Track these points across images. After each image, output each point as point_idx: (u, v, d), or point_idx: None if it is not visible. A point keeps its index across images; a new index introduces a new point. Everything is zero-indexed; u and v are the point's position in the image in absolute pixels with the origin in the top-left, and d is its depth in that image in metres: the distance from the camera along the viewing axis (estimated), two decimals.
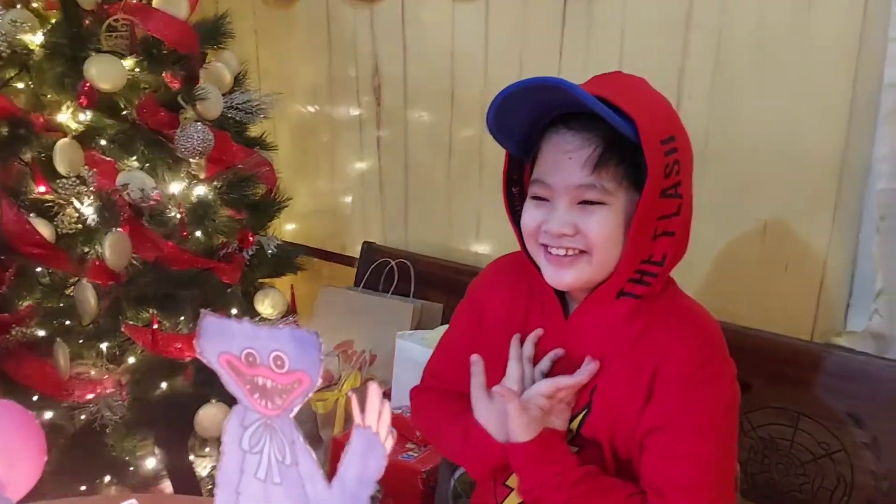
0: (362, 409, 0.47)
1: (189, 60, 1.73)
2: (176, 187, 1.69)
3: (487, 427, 0.96)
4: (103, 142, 1.62)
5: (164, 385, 1.72)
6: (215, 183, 1.76)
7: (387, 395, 1.82)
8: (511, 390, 0.93)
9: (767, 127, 1.44)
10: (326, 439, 1.71)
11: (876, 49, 1.27)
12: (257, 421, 0.48)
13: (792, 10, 1.36)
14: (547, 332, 1.00)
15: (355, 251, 2.22)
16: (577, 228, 0.89)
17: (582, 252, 0.90)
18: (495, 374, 0.99)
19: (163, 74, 1.70)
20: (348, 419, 1.71)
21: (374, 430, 0.46)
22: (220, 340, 0.47)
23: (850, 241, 1.39)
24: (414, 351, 1.69)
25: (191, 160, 1.67)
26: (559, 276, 0.92)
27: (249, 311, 1.87)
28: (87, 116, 1.60)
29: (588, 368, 0.92)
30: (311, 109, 2.26)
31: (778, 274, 1.49)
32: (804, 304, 1.47)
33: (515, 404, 0.91)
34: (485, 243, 1.98)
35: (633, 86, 0.94)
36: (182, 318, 1.67)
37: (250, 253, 1.84)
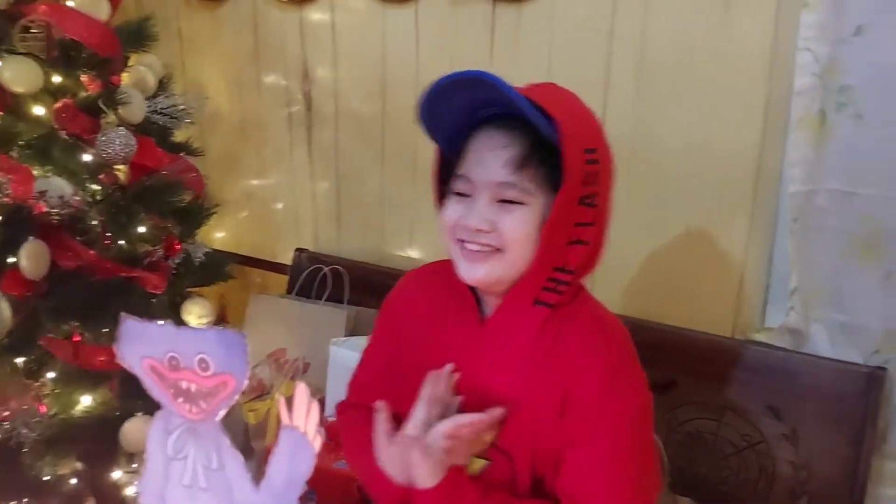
0: (290, 410, 0.46)
1: (110, 64, 1.68)
2: (97, 194, 1.64)
3: (390, 472, 0.93)
4: (16, 148, 1.55)
5: (86, 400, 1.66)
6: (138, 189, 1.71)
7: (321, 402, 1.80)
8: (413, 437, 0.91)
9: (687, 134, 1.49)
10: (259, 450, 1.68)
11: (787, 58, 1.33)
12: (181, 426, 0.47)
13: (709, 21, 1.42)
14: (463, 337, 1.00)
15: (287, 258, 2.19)
16: (494, 225, 0.90)
17: (496, 249, 0.91)
18: (415, 385, 0.97)
19: (81, 78, 1.65)
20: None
21: (302, 429, 0.45)
22: (141, 344, 0.46)
23: (766, 242, 1.45)
24: (348, 358, 1.67)
25: (113, 166, 1.61)
26: (472, 270, 0.93)
27: (176, 322, 1.82)
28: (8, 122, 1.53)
29: (494, 414, 0.92)
30: (240, 114, 2.22)
31: (700, 274, 1.54)
32: (725, 303, 1.53)
33: (418, 451, 0.89)
34: (418, 248, 1.98)
35: (562, 95, 0.96)
36: (106, 329, 1.61)
37: (177, 261, 1.79)
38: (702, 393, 1.50)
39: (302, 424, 0.45)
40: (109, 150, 1.54)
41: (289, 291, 2.12)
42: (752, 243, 1.47)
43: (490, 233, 0.91)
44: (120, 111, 1.62)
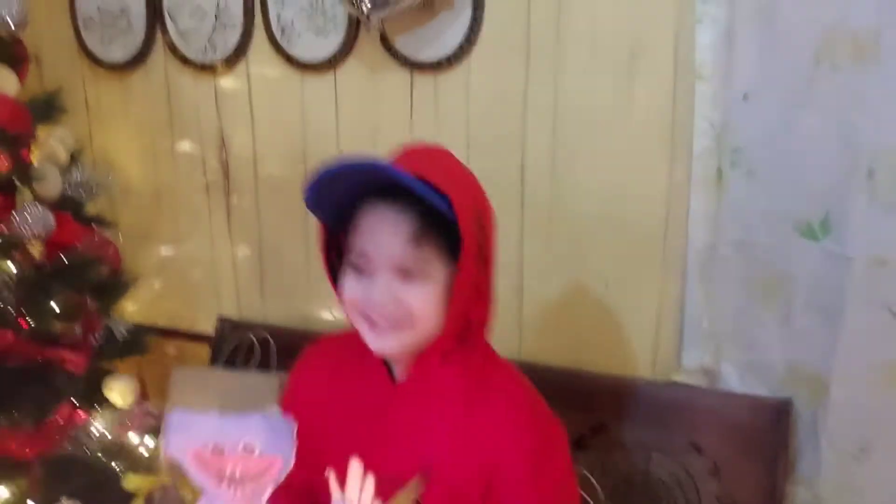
0: (342, 486, 0.48)
1: (20, 139, 1.64)
2: (10, 274, 1.58)
3: None
4: None
5: (2, 491, 1.57)
6: (55, 266, 1.66)
7: None
8: None
9: (600, 192, 1.59)
10: None
11: (685, 124, 1.46)
12: None
13: (614, 92, 1.53)
14: (376, 403, 1.01)
15: (207, 327, 2.15)
16: (400, 301, 0.93)
17: (405, 322, 0.94)
18: (333, 457, 0.87)
19: None
20: None
21: (356, 502, 0.47)
22: (187, 436, 0.47)
23: (678, 289, 1.56)
24: (279, 424, 1.67)
25: (29, 244, 1.57)
26: (382, 342, 0.95)
27: (97, 401, 1.76)
28: None
29: (412, 485, 0.91)
30: (154, 183, 2.19)
31: (620, 322, 1.64)
32: (644, 348, 1.63)
33: None
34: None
35: (444, 162, 1.00)
36: (24, 414, 1.54)
37: (98, 338, 1.74)
38: (629, 435, 1.58)
39: (356, 498, 0.47)
40: (27, 228, 1.50)
41: (212, 361, 2.08)
42: (665, 292, 1.58)
43: (395, 308, 0.93)
44: (35, 187, 1.58)
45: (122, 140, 2.19)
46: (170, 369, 2.03)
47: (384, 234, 0.93)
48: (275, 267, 2.10)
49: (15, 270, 1.59)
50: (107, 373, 1.82)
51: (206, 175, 2.11)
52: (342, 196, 0.96)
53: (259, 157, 2.03)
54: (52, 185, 1.62)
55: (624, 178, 1.56)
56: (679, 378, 1.59)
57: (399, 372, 1.02)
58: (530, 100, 1.62)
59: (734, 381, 1.55)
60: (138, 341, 1.89)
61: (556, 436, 1.02)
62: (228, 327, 2.09)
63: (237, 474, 0.47)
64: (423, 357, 0.98)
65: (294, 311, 2.07)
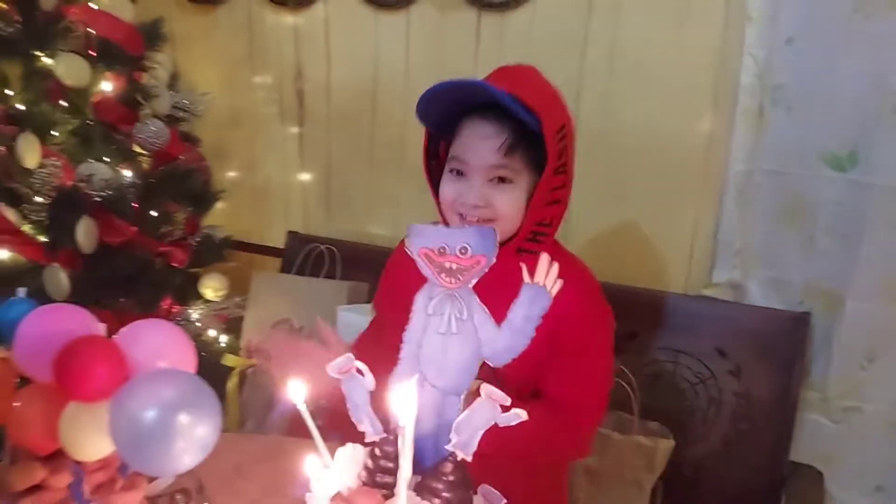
0: (531, 277, 0.68)
1: (135, 60, 1.85)
2: (129, 179, 1.81)
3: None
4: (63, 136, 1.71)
5: None
6: (162, 175, 1.89)
7: None
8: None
9: (649, 123, 1.78)
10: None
11: (733, 62, 1.65)
12: (441, 292, 0.69)
13: (668, 31, 1.71)
14: None
15: (275, 241, 2.38)
16: (490, 202, 1.09)
17: (489, 219, 1.12)
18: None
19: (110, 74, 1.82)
20: None
21: (542, 283, 0.67)
22: (420, 239, 0.68)
23: (713, 214, 1.76)
24: (356, 321, 1.89)
25: (148, 153, 1.79)
26: None
27: (192, 294, 2.01)
28: (50, 112, 1.68)
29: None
30: (233, 109, 2.39)
31: (659, 243, 1.84)
32: (679, 265, 1.84)
33: None
34: (403, 230, 2.19)
35: (534, 81, 1.15)
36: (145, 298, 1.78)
37: (197, 240, 1.98)
38: (661, 340, 1.80)
39: (542, 280, 0.66)
40: (149, 139, 1.72)
41: (282, 271, 2.31)
42: (701, 216, 1.78)
43: (486, 208, 1.10)
44: (151, 104, 1.80)
45: (206, 70, 2.39)
46: (245, 275, 2.27)
47: (482, 144, 1.09)
48: (340, 189, 2.31)
49: (131, 176, 1.81)
50: (197, 274, 2.06)
51: (281, 104, 2.31)
52: (446, 111, 1.14)
53: (332, 88, 2.23)
54: (164, 103, 1.83)
55: (671, 112, 1.75)
56: (708, 292, 1.80)
57: None
58: (590, 38, 1.80)
59: (758, 295, 1.75)
60: (224, 247, 2.12)
61: (610, 318, 1.22)
62: (297, 241, 2.32)
63: (453, 268, 0.66)
64: (503, 250, 1.17)
65: (356, 228, 2.29)
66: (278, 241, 2.37)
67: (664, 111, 1.76)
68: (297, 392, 0.67)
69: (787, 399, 1.69)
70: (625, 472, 1.65)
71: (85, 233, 1.61)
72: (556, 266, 0.68)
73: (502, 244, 1.13)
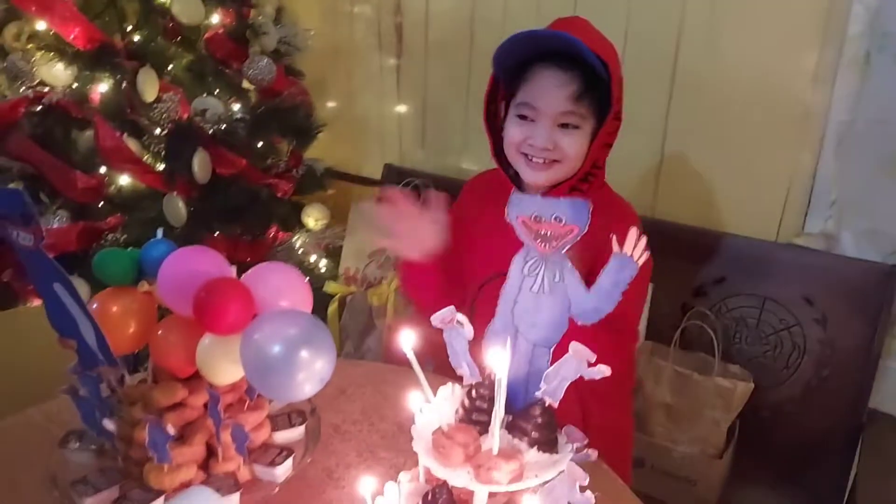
0: (621, 245, 0.74)
1: None
2: (238, 113, 1.92)
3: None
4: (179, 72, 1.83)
5: None
6: (268, 109, 1.99)
7: None
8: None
9: (750, 71, 1.74)
10: (380, 326, 2.01)
11: (842, 9, 1.59)
12: (536, 256, 0.76)
13: None
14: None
15: (372, 172, 2.47)
16: (557, 145, 1.16)
17: (555, 161, 1.17)
18: (476, 258, 1.24)
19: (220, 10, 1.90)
20: (397, 310, 2.01)
21: (630, 253, 0.73)
22: (518, 208, 0.74)
23: (811, 162, 1.74)
24: None
25: (257, 89, 1.89)
26: (536, 176, 1.19)
27: (296, 223, 2.14)
28: (166, 47, 1.79)
29: None
30: (332, 42, 2.45)
31: (753, 189, 1.83)
32: (772, 212, 1.82)
33: None
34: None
35: (593, 32, 1.18)
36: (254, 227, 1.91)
37: (301, 172, 2.09)
38: (748, 286, 1.81)
39: (630, 250, 0.72)
40: (258, 75, 1.81)
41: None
42: (799, 163, 1.75)
43: (553, 150, 1.17)
44: (261, 40, 1.88)
45: (306, 3, 2.45)
46: (344, 203, 2.38)
47: (553, 92, 1.15)
48: (435, 123, 2.36)
49: (240, 110, 1.92)
50: (299, 203, 2.19)
51: (380, 37, 2.36)
52: (516, 59, 1.18)
53: (430, 21, 2.25)
54: (271, 40, 1.92)
55: (774, 57, 1.70)
56: (800, 241, 1.79)
57: None
58: None
59: (850, 246, 1.74)
60: (325, 178, 2.23)
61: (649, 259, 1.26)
62: (393, 173, 2.40)
63: (548, 234, 0.73)
64: (556, 191, 1.20)
65: (450, 162, 2.35)
66: (375, 173, 2.46)
67: (767, 55, 1.72)
68: (407, 339, 0.75)
69: (871, 349, 1.69)
70: (703, 410, 1.71)
71: (200, 164, 1.74)
72: (643, 238, 0.73)
73: (561, 184, 1.19)
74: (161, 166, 1.79)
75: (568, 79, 1.14)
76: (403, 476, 0.85)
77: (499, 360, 0.72)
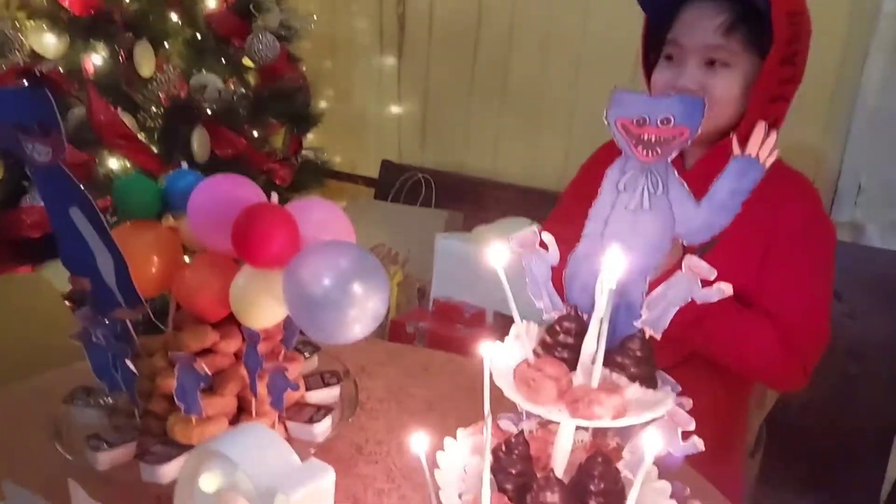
0: (742, 145, 0.64)
1: None
2: (235, 93, 1.82)
3: None
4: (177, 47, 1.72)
5: None
6: (267, 92, 1.89)
7: (423, 290, 2.03)
8: None
9: None
10: (384, 321, 1.90)
11: None
12: (635, 167, 0.66)
13: None
14: None
15: (366, 170, 2.38)
16: (704, 86, 1.02)
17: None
18: None
19: None
20: (399, 305, 1.91)
21: (755, 154, 0.62)
22: (619, 108, 0.64)
23: (839, 147, 1.69)
24: (456, 247, 1.88)
25: (252, 68, 1.79)
26: None
27: None
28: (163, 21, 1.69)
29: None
30: (331, 32, 2.38)
31: None
32: None
33: None
34: (502, 162, 2.18)
35: None
36: None
37: (300, 159, 1.99)
38: None
39: (755, 151, 0.61)
40: (262, 51, 1.72)
41: (377, 198, 2.32)
42: (827, 148, 1.70)
43: (699, 92, 1.01)
44: (263, 17, 1.79)
45: None
46: (336, 201, 2.27)
47: (699, 24, 1.02)
48: (437, 118, 2.29)
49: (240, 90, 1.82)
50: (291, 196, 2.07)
51: (381, 29, 2.29)
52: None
53: (435, 14, 2.19)
54: (273, 17, 1.83)
55: None
56: None
57: (689, 160, 1.13)
58: None
59: (877, 237, 1.68)
60: (324, 169, 2.13)
61: (832, 236, 1.12)
62: (391, 169, 2.32)
63: (652, 140, 0.63)
64: (718, 146, 1.07)
65: (450, 158, 2.27)
66: (371, 171, 2.37)
67: None
68: (497, 254, 0.65)
69: None
70: None
71: (199, 143, 1.63)
72: (773, 134, 0.63)
73: (715, 139, 1.05)
74: (156, 149, 1.67)
75: (714, 10, 1.02)
76: (462, 431, 0.75)
77: (591, 288, 0.63)
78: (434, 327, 1.78)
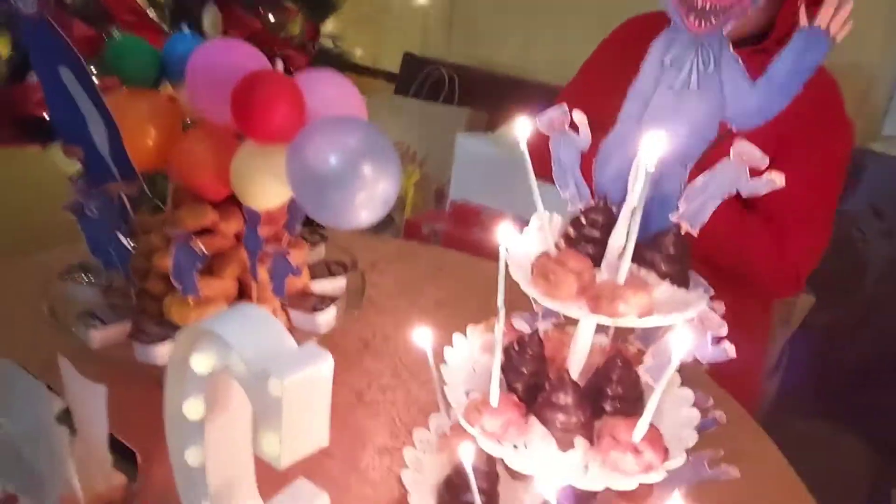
0: (810, 18, 0.55)
1: None
2: None
3: None
4: None
5: None
6: None
7: (440, 191, 1.96)
8: None
9: None
10: (399, 221, 1.85)
11: None
12: (685, 40, 0.57)
13: None
14: None
15: (388, 65, 2.27)
16: None
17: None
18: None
19: None
20: (415, 206, 1.85)
21: (824, 26, 0.54)
22: None
23: (894, 55, 1.57)
24: (477, 147, 1.80)
25: None
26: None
27: None
28: None
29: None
30: None
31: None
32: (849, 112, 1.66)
33: None
34: (535, 59, 2.04)
35: None
36: None
37: (316, 47, 1.89)
38: None
39: (825, 22, 0.52)
40: None
41: (397, 93, 2.22)
42: (883, 58, 1.58)
43: None
44: None
45: None
46: None
47: None
48: (466, 7, 2.15)
49: None
50: None
51: None
52: None
53: None
54: None
55: None
56: (877, 147, 1.63)
57: None
58: None
59: None
60: (342, 59, 2.03)
61: (849, 133, 1.06)
62: (414, 63, 2.21)
63: (706, 7, 0.54)
64: (742, 52, 1.02)
65: (478, 52, 2.15)
66: (392, 65, 2.26)
67: None
68: (523, 128, 0.58)
69: None
70: None
71: (211, 22, 1.53)
72: (849, 4, 0.54)
73: (742, 43, 0.99)
74: (167, 27, 1.58)
75: None
76: (473, 328, 0.70)
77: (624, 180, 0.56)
78: (450, 229, 1.73)
